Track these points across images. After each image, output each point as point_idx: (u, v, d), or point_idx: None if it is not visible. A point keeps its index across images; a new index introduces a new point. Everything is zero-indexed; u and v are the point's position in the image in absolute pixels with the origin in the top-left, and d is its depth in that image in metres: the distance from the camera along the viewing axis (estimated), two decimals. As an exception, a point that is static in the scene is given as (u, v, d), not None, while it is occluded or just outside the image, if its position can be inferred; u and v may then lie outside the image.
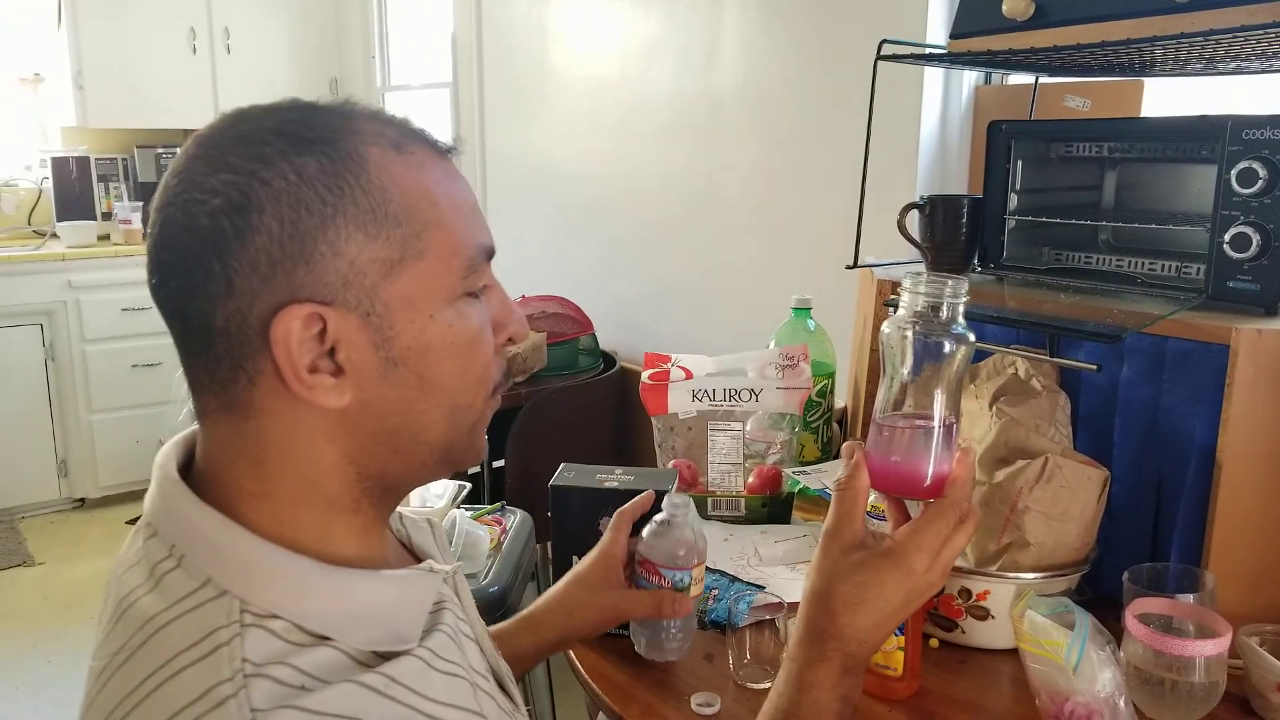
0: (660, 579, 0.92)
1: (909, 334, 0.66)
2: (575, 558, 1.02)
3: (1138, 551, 1.06)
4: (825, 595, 0.66)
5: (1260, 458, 0.97)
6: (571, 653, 1.00)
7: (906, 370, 0.66)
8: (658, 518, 0.94)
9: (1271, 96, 1.49)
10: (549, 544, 1.63)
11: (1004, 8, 1.12)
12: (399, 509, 0.68)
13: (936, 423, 0.65)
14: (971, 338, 0.66)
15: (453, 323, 0.57)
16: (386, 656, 0.54)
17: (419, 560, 0.66)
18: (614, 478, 1.05)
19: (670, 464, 1.34)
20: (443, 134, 0.61)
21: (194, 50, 3.74)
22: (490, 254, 0.61)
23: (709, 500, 1.29)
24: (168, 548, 0.55)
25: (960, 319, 0.66)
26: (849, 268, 1.42)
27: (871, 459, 0.67)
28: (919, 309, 0.66)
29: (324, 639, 0.52)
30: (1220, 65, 1.24)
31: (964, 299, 0.66)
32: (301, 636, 0.52)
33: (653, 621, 0.94)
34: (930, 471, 0.65)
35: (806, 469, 1.25)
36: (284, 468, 0.56)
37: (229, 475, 0.57)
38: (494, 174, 3.23)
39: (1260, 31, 0.93)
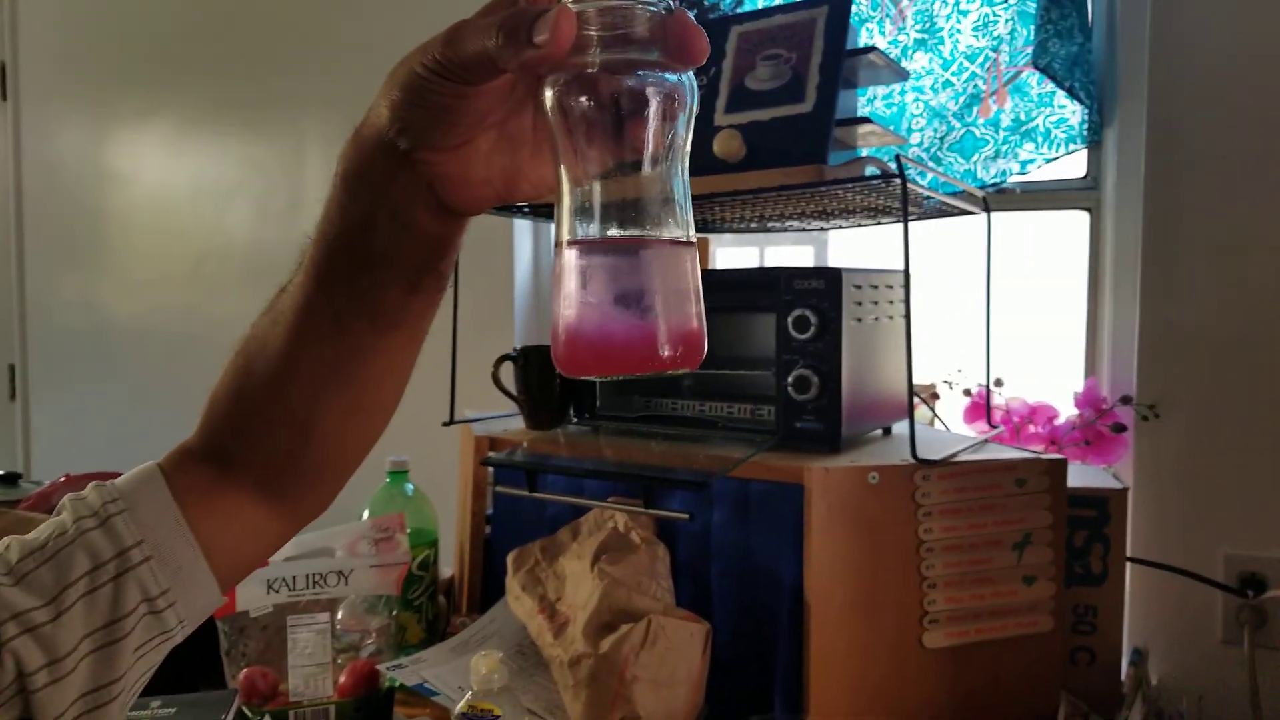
0: None
1: (581, 97, 0.36)
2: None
3: (749, 701, 1.04)
4: None
5: (841, 592, 0.99)
6: None
7: (596, 157, 0.37)
8: None
9: (827, 251, 1.68)
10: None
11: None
12: None
13: (667, 226, 0.36)
14: (689, 76, 0.38)
15: None
16: None
17: None
18: (149, 713, 0.83)
19: (241, 676, 1.11)
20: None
21: None
22: None
23: (290, 714, 1.08)
24: None
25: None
26: (445, 424, 1.34)
27: (565, 328, 0.38)
28: (600, 47, 0.37)
29: None
30: (774, 225, 1.36)
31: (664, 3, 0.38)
32: None
33: None
34: (666, 327, 0.37)
35: (404, 660, 1.09)
36: None
37: None
38: (36, 336, 2.73)
39: (799, 190, 1.02)
